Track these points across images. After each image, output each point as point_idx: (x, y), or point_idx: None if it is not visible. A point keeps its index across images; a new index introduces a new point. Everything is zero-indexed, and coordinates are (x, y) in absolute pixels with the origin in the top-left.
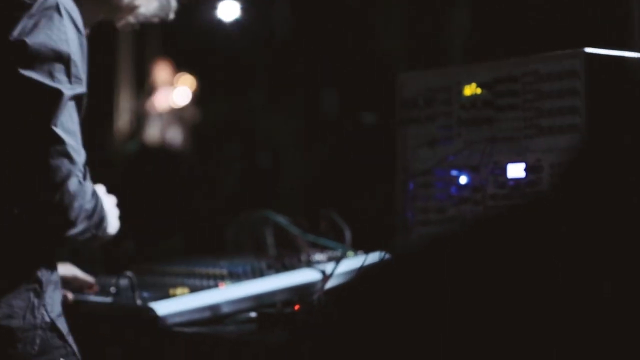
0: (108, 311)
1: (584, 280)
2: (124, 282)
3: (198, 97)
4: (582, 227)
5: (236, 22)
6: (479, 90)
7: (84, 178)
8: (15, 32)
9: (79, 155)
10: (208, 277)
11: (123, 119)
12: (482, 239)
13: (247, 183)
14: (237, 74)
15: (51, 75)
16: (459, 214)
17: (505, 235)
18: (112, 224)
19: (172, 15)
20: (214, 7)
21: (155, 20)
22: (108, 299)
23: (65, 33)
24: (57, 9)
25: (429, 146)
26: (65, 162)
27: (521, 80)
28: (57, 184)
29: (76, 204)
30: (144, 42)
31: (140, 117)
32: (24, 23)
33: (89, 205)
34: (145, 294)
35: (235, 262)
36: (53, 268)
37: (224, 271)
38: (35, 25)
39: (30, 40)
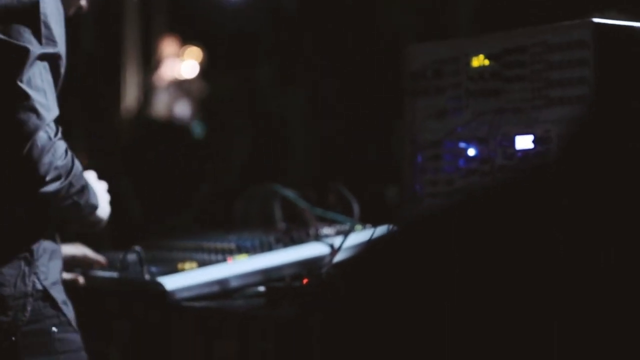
0: (116, 286)
1: (588, 251)
2: (132, 257)
3: (205, 71)
4: (587, 197)
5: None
6: (487, 62)
7: (55, 135)
8: None
9: (48, 111)
10: (216, 251)
11: (130, 94)
12: (488, 208)
13: (255, 157)
14: (244, 47)
15: (18, 34)
16: (467, 186)
17: (510, 205)
18: (103, 207)
19: None
20: None
21: None
22: (116, 274)
23: None
24: None
25: (437, 118)
26: (32, 117)
27: (529, 51)
28: (24, 138)
29: (45, 159)
30: (151, 17)
31: (148, 91)
32: None
33: (60, 162)
34: (153, 269)
35: (243, 236)
36: (49, 237)
37: (233, 245)
38: None
39: None
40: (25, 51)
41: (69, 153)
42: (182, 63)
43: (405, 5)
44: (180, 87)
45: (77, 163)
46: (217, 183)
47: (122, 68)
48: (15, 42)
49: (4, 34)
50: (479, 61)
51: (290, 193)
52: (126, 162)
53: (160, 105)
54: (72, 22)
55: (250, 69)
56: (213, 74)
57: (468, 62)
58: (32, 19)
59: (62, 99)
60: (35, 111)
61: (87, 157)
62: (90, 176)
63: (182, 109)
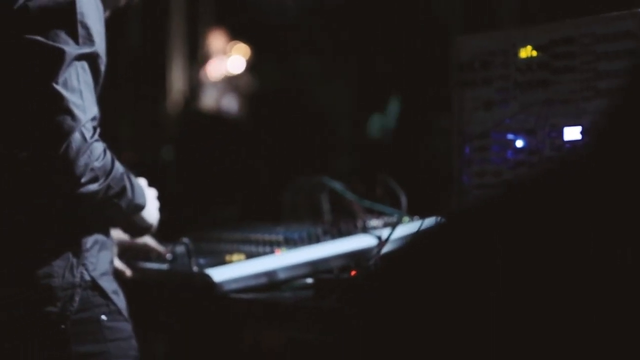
0: (165, 278)
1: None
2: (180, 248)
3: (252, 65)
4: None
5: None
6: (534, 53)
7: (92, 137)
8: (21, 1)
9: (84, 112)
10: (264, 243)
11: (176, 87)
12: (532, 200)
13: (303, 149)
14: (290, 41)
15: (54, 36)
16: (512, 178)
17: (553, 197)
18: (152, 213)
19: None
20: None
21: None
22: (164, 266)
23: None
24: None
25: (485, 109)
26: (67, 118)
27: (577, 42)
28: (59, 140)
29: (81, 161)
30: (197, 12)
31: (194, 86)
32: None
33: (97, 163)
34: (201, 261)
35: (291, 229)
36: (99, 229)
37: (280, 237)
38: None
39: (33, 4)
40: (61, 52)
41: (108, 154)
42: (229, 59)
43: None
44: (228, 82)
45: (117, 165)
46: (265, 175)
47: (168, 61)
48: (51, 43)
49: (40, 35)
50: (526, 52)
51: (337, 185)
52: (173, 155)
53: (208, 100)
54: (119, 16)
55: (296, 62)
56: (259, 67)
57: (516, 53)
58: (69, 19)
59: (108, 94)
60: (70, 113)
61: (134, 152)
62: (142, 183)
63: (230, 103)
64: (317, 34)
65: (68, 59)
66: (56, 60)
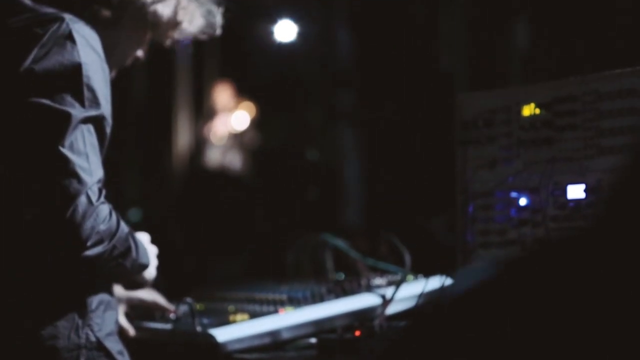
0: (168, 338)
1: None
2: (183, 308)
3: (257, 119)
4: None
5: (294, 43)
6: (538, 111)
7: (97, 199)
8: (27, 63)
9: (90, 175)
10: (268, 302)
11: (182, 142)
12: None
13: (307, 205)
14: (296, 94)
15: (60, 99)
16: (519, 237)
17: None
18: (151, 271)
19: (219, 31)
20: (271, 28)
21: (203, 37)
22: (168, 326)
23: (78, 58)
24: (70, 36)
25: (488, 167)
26: (73, 182)
27: (580, 100)
28: (66, 203)
29: (87, 224)
30: (203, 65)
31: (200, 142)
32: (36, 53)
33: (102, 226)
34: (205, 320)
35: (295, 287)
36: (104, 289)
37: (284, 296)
38: (46, 54)
39: (39, 67)
40: (67, 115)
41: (114, 216)
42: (234, 115)
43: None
44: (233, 138)
45: (123, 225)
46: (269, 232)
47: (174, 116)
48: (57, 106)
49: (46, 98)
50: (530, 110)
51: (341, 243)
52: (178, 211)
53: (213, 156)
54: (125, 71)
55: (302, 115)
56: (264, 120)
57: (519, 111)
58: (75, 82)
59: (116, 146)
60: (76, 176)
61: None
62: (144, 238)
63: (233, 159)
64: (323, 87)
65: (74, 122)
66: (62, 124)
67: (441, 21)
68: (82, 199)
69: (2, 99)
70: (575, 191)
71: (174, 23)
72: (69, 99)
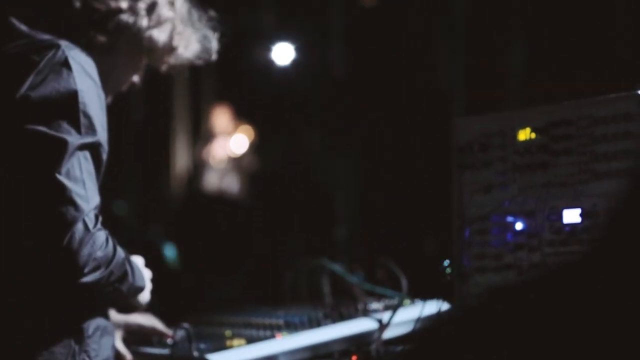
0: None
1: None
2: (180, 333)
3: (256, 144)
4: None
5: (291, 64)
6: (533, 135)
7: (94, 226)
8: (23, 89)
9: (87, 202)
10: (265, 327)
11: (180, 165)
12: (542, 292)
13: (304, 229)
14: (293, 116)
15: (57, 126)
16: (515, 261)
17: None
18: (145, 295)
19: (215, 56)
20: (269, 50)
21: (199, 62)
22: (165, 351)
23: (74, 85)
24: (66, 63)
25: (484, 192)
26: (70, 209)
27: (575, 124)
28: (62, 230)
29: (84, 251)
30: (200, 88)
31: (198, 164)
32: (32, 80)
33: (99, 253)
34: (202, 345)
35: (291, 312)
36: (100, 315)
37: (281, 321)
38: (42, 81)
39: (35, 94)
40: (64, 143)
41: (110, 242)
42: (233, 139)
43: (457, 70)
44: (231, 162)
45: (119, 251)
46: (266, 256)
47: (172, 138)
48: (53, 133)
49: (42, 125)
50: (525, 134)
51: (338, 267)
52: (176, 233)
53: (211, 180)
54: (122, 94)
55: (299, 138)
56: (262, 143)
57: (514, 136)
58: (71, 109)
59: (114, 170)
60: (73, 203)
61: (136, 229)
62: (139, 262)
63: (231, 183)
64: (320, 108)
65: (70, 149)
66: (59, 151)
67: (439, 39)
68: (79, 226)
69: None
70: (571, 216)
71: (170, 48)
72: (65, 125)
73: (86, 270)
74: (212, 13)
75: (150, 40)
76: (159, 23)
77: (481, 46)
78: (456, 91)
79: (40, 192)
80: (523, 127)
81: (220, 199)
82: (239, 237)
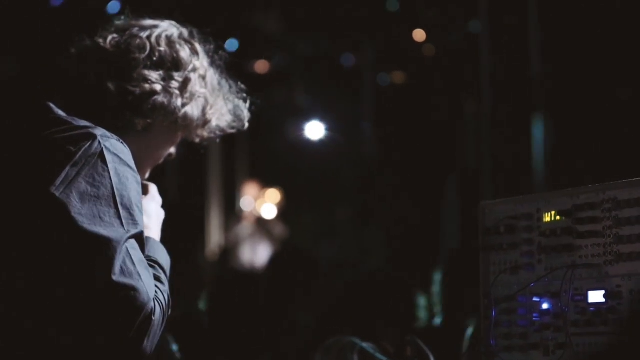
0: None
1: None
2: None
3: (285, 213)
4: None
5: (322, 142)
6: (558, 218)
7: (154, 313)
8: (58, 182)
9: (147, 293)
10: None
11: (214, 241)
12: None
13: (335, 305)
14: (324, 191)
15: (101, 222)
16: (541, 340)
17: None
18: (156, 231)
19: (247, 125)
20: (302, 128)
21: (232, 131)
22: None
23: (110, 179)
24: (101, 155)
25: (511, 272)
26: (131, 306)
27: (600, 207)
28: (128, 328)
29: (150, 341)
30: (233, 165)
31: (230, 240)
32: (67, 172)
33: (159, 330)
34: None
35: None
36: None
37: None
38: (77, 174)
39: (74, 190)
40: (110, 243)
41: (163, 308)
42: (262, 206)
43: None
44: (261, 229)
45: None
46: (295, 335)
47: (206, 214)
48: (96, 232)
49: (81, 225)
50: (550, 217)
51: (367, 345)
52: (210, 310)
53: (245, 254)
54: (156, 170)
55: (330, 212)
56: (292, 215)
57: (540, 218)
58: (109, 204)
59: None
60: (133, 300)
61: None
62: (152, 190)
63: (263, 254)
64: (351, 184)
65: (118, 247)
66: (107, 253)
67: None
68: (143, 320)
69: (34, 219)
70: (596, 296)
71: (204, 122)
72: (107, 219)
73: (149, 350)
74: (242, 85)
75: (185, 117)
76: (192, 99)
77: (505, 131)
78: (483, 174)
79: (101, 298)
80: (548, 210)
81: (252, 275)
82: (270, 314)
